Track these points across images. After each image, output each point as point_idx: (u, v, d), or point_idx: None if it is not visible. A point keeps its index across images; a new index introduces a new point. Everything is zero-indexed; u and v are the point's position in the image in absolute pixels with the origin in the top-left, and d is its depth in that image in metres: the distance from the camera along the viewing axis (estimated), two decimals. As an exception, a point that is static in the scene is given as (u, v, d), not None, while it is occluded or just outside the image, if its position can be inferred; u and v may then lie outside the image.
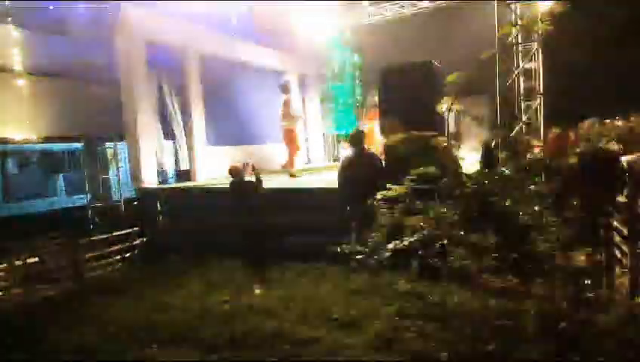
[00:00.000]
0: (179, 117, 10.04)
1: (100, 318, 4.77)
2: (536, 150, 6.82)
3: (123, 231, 8.58)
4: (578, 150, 4.99)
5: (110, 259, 7.58)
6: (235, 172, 6.19)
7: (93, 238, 7.61)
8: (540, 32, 7.29)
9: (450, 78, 5.95)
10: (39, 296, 6.15)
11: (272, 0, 11.20)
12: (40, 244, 7.28)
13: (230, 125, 10.70)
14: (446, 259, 3.61)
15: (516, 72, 7.90)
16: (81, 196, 9.70)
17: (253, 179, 6.08)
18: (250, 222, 5.69)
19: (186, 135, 9.79)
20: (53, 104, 9.45)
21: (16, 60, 8.61)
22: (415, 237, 3.82)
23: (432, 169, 4.64)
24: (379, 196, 4.98)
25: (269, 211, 5.84)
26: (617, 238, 4.02)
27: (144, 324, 4.41)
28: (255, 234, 5.66)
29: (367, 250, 4.38)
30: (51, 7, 9.05)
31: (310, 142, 13.98)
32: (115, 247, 7.62)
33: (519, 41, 7.79)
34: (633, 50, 7.55)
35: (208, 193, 8.14)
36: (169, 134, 10.15)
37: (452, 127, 9.49)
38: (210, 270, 6.21)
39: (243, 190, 6.07)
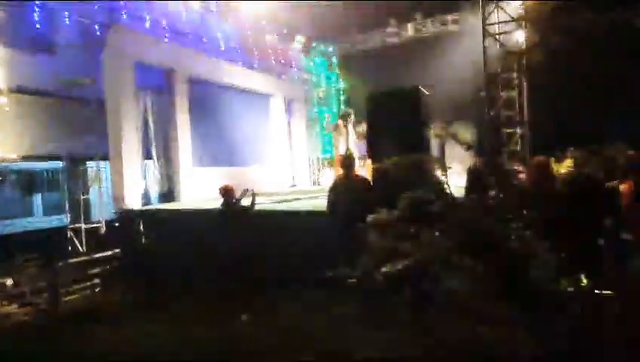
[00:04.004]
0: (164, 138, 9.92)
1: (74, 348, 4.54)
2: (521, 177, 6.91)
3: (102, 254, 8.34)
4: (564, 177, 5.07)
5: (88, 283, 7.32)
6: (226, 193, 6.10)
7: (71, 261, 7.35)
8: (523, 62, 7.52)
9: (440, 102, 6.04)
10: (11, 321, 5.88)
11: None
12: (14, 267, 7.00)
13: (216, 147, 10.64)
14: (438, 285, 3.57)
15: (501, 100, 8.08)
16: (60, 217, 9.41)
17: (247, 201, 5.99)
18: (238, 245, 5.59)
19: (171, 156, 9.66)
20: (35, 122, 9.24)
21: (-1, 78, 8.44)
22: (406, 263, 3.78)
23: (422, 193, 4.64)
24: (368, 220, 4.93)
25: (258, 234, 5.75)
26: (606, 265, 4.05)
27: (123, 356, 4.21)
28: (243, 257, 5.55)
29: (356, 274, 4.30)
30: (38, 26, 8.96)
31: (295, 165, 13.99)
32: (94, 270, 7.37)
33: (502, 70, 8.01)
34: (616, 77, 7.84)
35: (193, 215, 7.99)
36: (154, 155, 10.00)
37: (438, 153, 9.63)
38: (193, 295, 6.03)
39: (233, 211, 5.97)
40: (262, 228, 6.11)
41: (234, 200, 6.14)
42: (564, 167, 7.34)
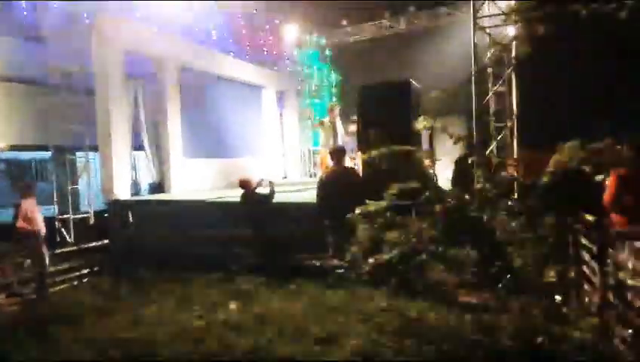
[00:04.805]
0: (154, 128, 9.85)
1: (63, 336, 4.52)
2: (510, 170, 6.98)
3: (90, 244, 8.30)
4: (551, 169, 5.13)
5: (76, 273, 7.29)
6: (245, 184, 6.26)
7: (59, 251, 7.30)
8: (513, 56, 7.55)
9: (431, 95, 6.07)
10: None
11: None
12: (1, 256, 6.94)
13: (207, 138, 10.59)
14: (424, 274, 3.61)
15: (490, 94, 8.12)
16: (49, 207, 9.32)
17: (265, 191, 6.14)
18: (261, 234, 5.66)
19: (161, 147, 9.60)
20: (23, 111, 9.13)
21: (-15, 66, 8.32)
22: (394, 252, 3.81)
23: (410, 184, 4.68)
24: (358, 211, 4.97)
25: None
26: (587, 256, 4.12)
27: (111, 343, 4.20)
28: (266, 246, 5.63)
29: (345, 264, 4.35)
30: (25, 13, 8.83)
31: (287, 157, 13.99)
32: (82, 261, 7.34)
33: (493, 63, 8.05)
34: (608, 72, 7.91)
35: (183, 206, 7.98)
36: (144, 146, 9.94)
37: (427, 145, 9.68)
38: (180, 283, 6.03)
39: (254, 202, 6.11)
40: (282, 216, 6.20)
41: (252, 191, 6.22)
42: (552, 160, 7.42)
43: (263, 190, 6.40)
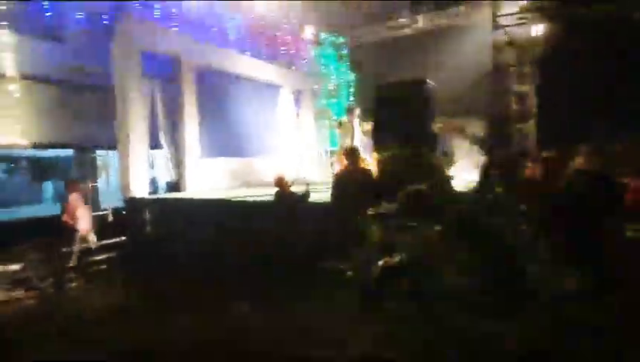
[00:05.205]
0: (171, 127, 9.96)
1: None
2: (530, 172, 6.80)
3: (108, 241, 8.43)
4: (571, 173, 4.96)
5: (94, 269, 7.41)
6: (281, 183, 6.20)
7: (75, 248, 7.43)
8: (533, 54, 7.37)
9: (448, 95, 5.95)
10: (19, 305, 5.99)
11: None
12: (22, 252, 7.12)
13: (224, 137, 10.65)
14: (435, 277, 3.54)
15: (511, 94, 7.95)
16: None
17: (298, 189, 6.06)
18: (295, 234, 5.62)
19: (178, 145, 9.70)
20: (45, 110, 9.34)
21: (10, 65, 8.52)
22: (405, 255, 3.75)
23: (424, 186, 4.59)
24: (370, 212, 4.90)
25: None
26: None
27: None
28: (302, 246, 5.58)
29: (356, 266, 4.30)
30: (48, 13, 9.02)
31: (303, 157, 13.96)
32: (99, 257, 7.46)
33: (514, 63, 7.87)
34: (630, 72, 7.63)
35: (200, 205, 8.02)
36: (161, 144, 10.06)
37: (445, 146, 9.52)
38: (196, 284, 6.05)
39: (290, 202, 6.05)
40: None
41: (288, 190, 6.19)
42: (575, 163, 7.19)
43: (297, 189, 6.31)
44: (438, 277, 3.49)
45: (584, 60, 7.57)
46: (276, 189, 6.30)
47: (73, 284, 6.80)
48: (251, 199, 7.34)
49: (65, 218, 6.83)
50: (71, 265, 6.76)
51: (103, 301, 5.82)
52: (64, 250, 7.03)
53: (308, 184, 6.33)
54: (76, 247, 6.79)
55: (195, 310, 5.03)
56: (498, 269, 3.32)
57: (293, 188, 6.33)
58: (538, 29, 6.15)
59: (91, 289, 6.72)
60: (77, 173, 9.28)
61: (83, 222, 6.93)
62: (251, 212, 6.95)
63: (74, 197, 6.88)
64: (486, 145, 7.80)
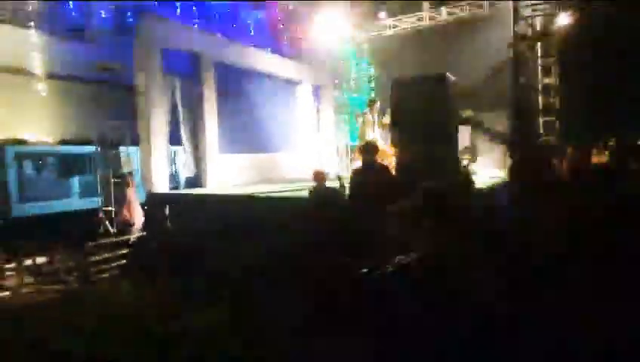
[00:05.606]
0: (192, 124, 10.08)
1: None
2: (554, 167, 6.62)
3: (130, 236, 8.60)
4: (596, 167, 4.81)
5: (116, 263, 7.58)
6: (318, 177, 6.03)
7: (100, 242, 7.62)
8: (557, 47, 7.14)
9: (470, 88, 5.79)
10: (46, 297, 6.18)
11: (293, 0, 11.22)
12: (50, 245, 7.33)
13: (243, 133, 10.72)
14: (449, 277, 3.48)
15: (534, 88, 7.73)
16: (94, 199, 9.76)
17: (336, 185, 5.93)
18: (331, 231, 5.50)
19: (198, 142, 9.81)
20: (70, 108, 9.59)
21: (36, 64, 8.78)
22: (420, 254, 3.69)
23: (443, 184, 4.52)
24: (388, 209, 4.85)
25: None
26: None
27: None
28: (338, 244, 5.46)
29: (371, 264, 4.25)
30: (73, 14, 9.23)
31: (323, 152, 13.93)
32: (121, 251, 7.62)
33: (538, 55, 7.63)
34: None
35: (221, 201, 8.09)
36: (181, 140, 10.19)
37: (467, 142, 9.32)
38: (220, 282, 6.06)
39: (325, 197, 5.89)
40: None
41: (324, 185, 6.02)
42: (603, 158, 6.96)
43: (332, 184, 6.15)
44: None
45: (608, 53, 7.28)
46: (313, 184, 6.06)
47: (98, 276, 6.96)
48: (289, 194, 7.20)
49: (124, 213, 6.85)
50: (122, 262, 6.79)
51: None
52: (96, 243, 7.17)
53: (341, 178, 6.13)
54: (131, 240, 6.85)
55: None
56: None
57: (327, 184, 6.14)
58: (562, 20, 5.93)
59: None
60: (102, 170, 9.47)
61: (137, 216, 7.01)
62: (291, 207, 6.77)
63: (130, 192, 6.96)
64: (509, 141, 7.61)
